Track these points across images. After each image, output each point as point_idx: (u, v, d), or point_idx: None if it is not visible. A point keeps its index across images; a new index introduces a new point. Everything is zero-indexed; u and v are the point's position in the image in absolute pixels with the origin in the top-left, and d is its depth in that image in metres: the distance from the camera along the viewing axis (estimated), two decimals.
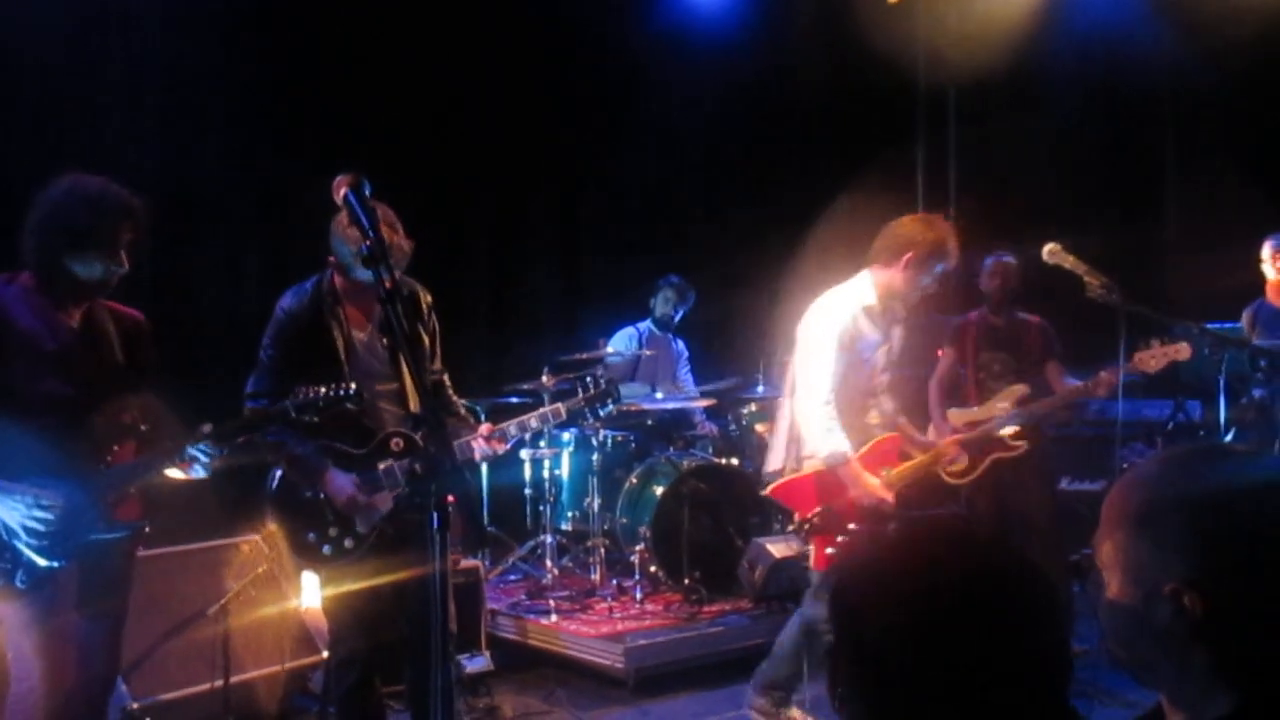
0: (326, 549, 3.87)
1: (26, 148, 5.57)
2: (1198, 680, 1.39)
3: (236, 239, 6.50)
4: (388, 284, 2.56)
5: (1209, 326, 5.30)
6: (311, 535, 3.87)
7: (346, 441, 3.89)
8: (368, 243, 2.62)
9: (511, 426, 4.01)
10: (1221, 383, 4.95)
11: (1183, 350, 4.99)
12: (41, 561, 3.21)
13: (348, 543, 3.87)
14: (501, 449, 4.00)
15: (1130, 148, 9.05)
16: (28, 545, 3.19)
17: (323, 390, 3.61)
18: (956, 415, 5.97)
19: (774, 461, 4.75)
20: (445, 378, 4.23)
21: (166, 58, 6.27)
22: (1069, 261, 4.73)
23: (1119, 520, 1.45)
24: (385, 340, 3.96)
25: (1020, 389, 5.77)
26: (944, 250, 4.47)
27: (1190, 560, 1.37)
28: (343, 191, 2.73)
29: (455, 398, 4.26)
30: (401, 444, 3.92)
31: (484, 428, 4.02)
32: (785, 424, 4.70)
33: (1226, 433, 5.49)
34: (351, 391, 3.64)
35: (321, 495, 3.85)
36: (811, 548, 4.54)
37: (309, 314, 3.92)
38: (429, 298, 4.14)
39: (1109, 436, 6.23)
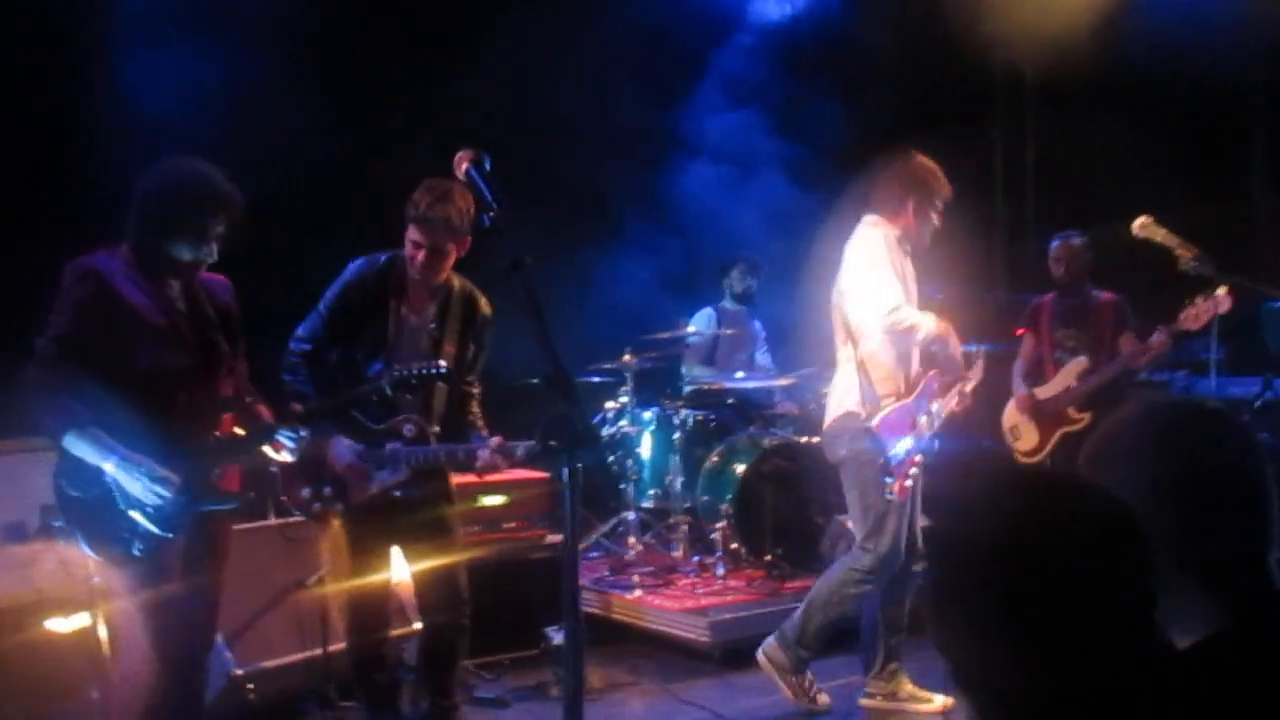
0: (316, 505, 4.13)
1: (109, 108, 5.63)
2: (1185, 606, 1.52)
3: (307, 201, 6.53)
4: (509, 256, 2.57)
5: None
6: (306, 491, 4.12)
7: (367, 415, 4.09)
8: (491, 214, 2.68)
9: (519, 448, 4.03)
10: None
11: (1223, 302, 5.01)
12: (157, 531, 3.34)
13: (338, 506, 4.13)
14: (504, 466, 4.07)
15: (1216, 120, 8.86)
16: (145, 515, 3.32)
17: (415, 369, 3.82)
18: (1038, 394, 6.04)
19: (837, 408, 4.76)
20: (476, 391, 4.36)
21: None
22: (1160, 235, 4.68)
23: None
24: (434, 327, 4.14)
25: (1081, 362, 5.81)
26: (937, 187, 4.74)
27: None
28: (464, 167, 2.79)
29: (477, 412, 4.36)
30: (414, 431, 4.08)
31: (495, 440, 4.06)
32: (845, 370, 4.74)
33: None
34: (442, 369, 3.85)
35: (325, 458, 4.07)
36: (894, 479, 4.55)
37: (374, 285, 4.12)
38: (488, 310, 4.27)
39: None
